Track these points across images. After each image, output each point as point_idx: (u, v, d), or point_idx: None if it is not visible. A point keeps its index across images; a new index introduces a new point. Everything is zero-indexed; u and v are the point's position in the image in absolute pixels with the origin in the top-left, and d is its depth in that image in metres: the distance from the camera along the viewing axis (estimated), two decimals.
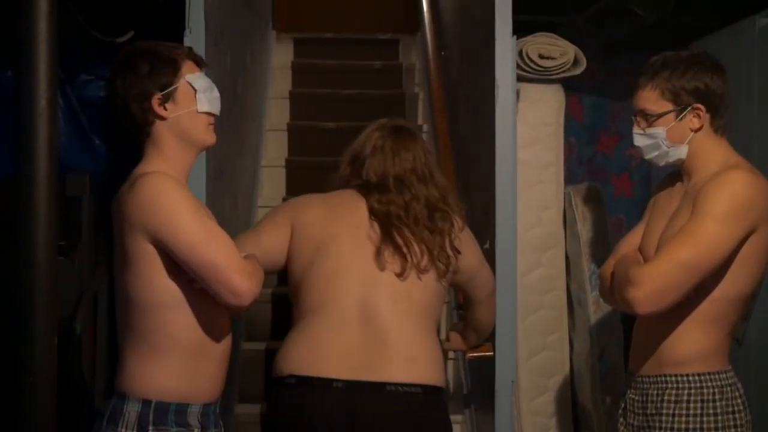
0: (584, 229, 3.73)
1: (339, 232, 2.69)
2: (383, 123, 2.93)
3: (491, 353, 3.14)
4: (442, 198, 2.82)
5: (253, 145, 4.69)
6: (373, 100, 5.40)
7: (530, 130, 3.77)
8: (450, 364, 4.05)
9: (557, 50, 3.72)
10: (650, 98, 2.42)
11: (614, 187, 5.52)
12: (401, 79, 5.72)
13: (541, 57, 3.70)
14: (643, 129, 2.45)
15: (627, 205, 5.45)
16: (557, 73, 3.75)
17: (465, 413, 3.76)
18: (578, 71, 3.77)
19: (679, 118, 2.40)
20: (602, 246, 3.72)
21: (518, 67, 3.53)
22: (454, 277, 2.85)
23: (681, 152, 2.42)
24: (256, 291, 2.18)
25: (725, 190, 2.30)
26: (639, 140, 2.47)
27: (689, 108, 2.39)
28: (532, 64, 3.71)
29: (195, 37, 3.00)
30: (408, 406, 2.59)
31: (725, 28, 4.25)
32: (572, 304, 3.82)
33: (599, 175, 5.45)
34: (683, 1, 4.21)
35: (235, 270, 2.13)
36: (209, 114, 2.26)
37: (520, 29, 3.20)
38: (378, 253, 2.66)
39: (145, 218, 2.10)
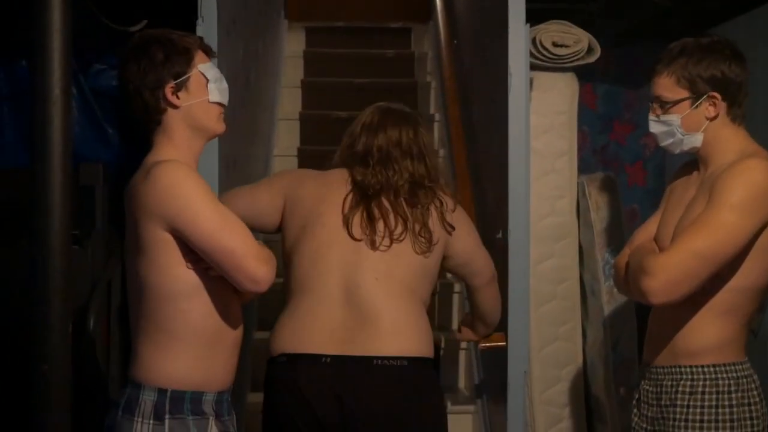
0: (598, 219, 3.71)
1: (324, 211, 2.72)
2: (378, 105, 2.96)
3: (503, 343, 3.13)
4: (429, 175, 2.80)
5: (265, 135, 4.69)
6: (385, 89, 5.39)
7: (543, 118, 3.76)
8: (462, 354, 4.05)
9: (571, 38, 3.70)
10: (666, 85, 2.39)
11: (628, 176, 5.50)
12: (413, 68, 5.72)
13: (555, 45, 3.68)
14: (658, 116, 2.43)
15: (641, 195, 5.44)
16: (571, 62, 3.73)
17: (477, 404, 3.77)
18: (592, 59, 3.75)
19: (695, 105, 2.37)
20: (616, 236, 3.71)
21: (531, 55, 3.50)
22: (448, 262, 2.87)
23: (696, 140, 2.40)
24: (272, 277, 2.18)
25: (742, 179, 2.28)
26: (654, 127, 2.45)
27: (705, 96, 2.36)
28: (545, 52, 3.69)
29: (207, 26, 3.00)
30: (396, 379, 2.62)
31: (742, 14, 4.22)
32: (585, 294, 3.81)
33: (613, 164, 5.44)
34: None
35: (253, 256, 2.14)
36: (219, 104, 2.26)
37: (534, 17, 3.18)
38: (355, 226, 2.69)
39: (163, 207, 2.10)
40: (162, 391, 2.16)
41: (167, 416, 2.14)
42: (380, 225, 2.70)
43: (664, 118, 2.42)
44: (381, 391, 2.61)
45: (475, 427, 3.78)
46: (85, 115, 4.25)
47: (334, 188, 2.77)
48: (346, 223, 2.70)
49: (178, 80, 2.19)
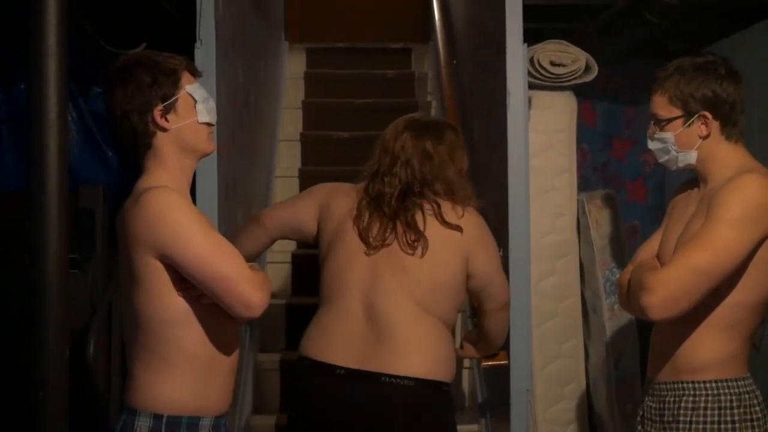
0: (598, 236, 3.71)
1: (347, 226, 2.79)
2: (410, 116, 2.98)
3: (506, 362, 3.13)
4: (421, 180, 2.80)
5: (266, 156, 4.70)
6: (386, 109, 5.38)
7: (542, 137, 3.76)
8: (465, 372, 4.03)
9: (568, 57, 3.72)
10: (660, 103, 2.43)
11: (628, 193, 5.50)
12: (414, 88, 5.73)
13: (553, 64, 3.70)
14: (654, 133, 2.47)
15: (641, 211, 5.43)
16: (569, 80, 3.74)
17: (481, 422, 3.75)
18: (590, 78, 3.76)
19: (687, 124, 2.40)
20: (616, 253, 3.71)
21: (530, 74, 3.52)
22: (469, 283, 2.85)
23: (690, 158, 2.42)
24: (267, 302, 2.16)
25: (738, 195, 2.29)
26: (651, 144, 2.49)
27: (696, 115, 2.39)
28: (543, 72, 3.70)
29: (206, 48, 3.01)
30: (401, 398, 2.67)
31: (738, 32, 4.23)
32: (587, 311, 3.80)
33: (613, 182, 5.44)
34: (696, 7, 4.19)
35: (246, 281, 2.11)
36: (208, 124, 2.24)
37: (531, 37, 3.20)
38: (370, 239, 2.74)
39: (152, 234, 2.08)
40: (158, 417, 2.14)
41: None
42: (389, 237, 2.74)
43: (658, 135, 2.45)
44: (385, 410, 2.66)
45: None
46: (84, 137, 4.27)
47: (354, 203, 2.82)
48: (363, 239, 2.76)
49: (167, 103, 2.17)
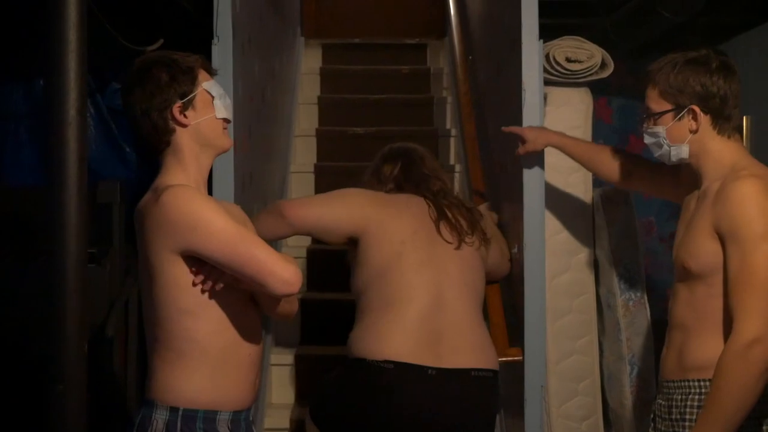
0: (613, 233, 3.71)
1: (414, 238, 3.00)
2: (390, 147, 3.30)
3: (520, 358, 3.13)
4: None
5: (282, 151, 4.71)
6: (402, 105, 5.41)
7: None
8: None
9: (584, 53, 3.71)
10: (652, 97, 2.43)
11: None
12: (429, 84, 5.73)
13: (568, 60, 3.69)
14: (647, 127, 2.48)
15: (657, 207, 5.41)
16: (584, 77, 3.73)
17: (496, 418, 3.75)
18: (606, 74, 3.75)
19: (677, 118, 2.40)
20: (631, 249, 3.70)
21: (545, 70, 3.51)
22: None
23: (682, 152, 2.42)
24: (301, 277, 2.16)
25: (753, 206, 2.26)
26: (645, 138, 2.50)
27: (686, 109, 2.39)
28: (559, 68, 3.69)
29: (223, 44, 3.03)
30: (488, 390, 2.94)
31: (755, 27, 4.22)
32: (601, 308, 3.80)
33: None
34: (712, 2, 4.18)
35: (277, 258, 2.12)
36: (225, 120, 2.28)
37: (547, 33, 3.19)
38: (439, 230, 3.03)
39: (173, 230, 2.10)
40: (174, 410, 2.16)
41: None
42: (456, 225, 3.06)
43: (651, 129, 2.46)
44: (477, 400, 2.91)
45: None
46: (102, 133, 4.29)
47: (417, 215, 3.06)
48: (434, 232, 3.02)
49: (185, 99, 2.21)
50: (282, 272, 2.12)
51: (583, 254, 3.77)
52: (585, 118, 3.80)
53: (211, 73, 2.29)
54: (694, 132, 2.40)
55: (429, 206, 3.08)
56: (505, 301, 3.49)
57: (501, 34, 3.71)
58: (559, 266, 3.74)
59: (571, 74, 3.71)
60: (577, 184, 3.77)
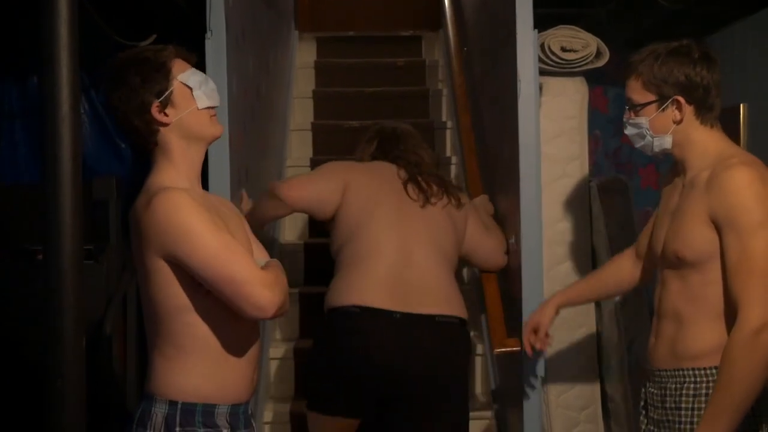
0: (610, 222, 3.71)
1: (377, 191, 3.18)
2: (381, 125, 3.50)
3: (518, 348, 3.13)
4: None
5: (277, 145, 4.70)
6: (397, 98, 5.40)
7: (554, 123, 3.75)
8: (478, 360, 4.05)
9: (579, 43, 3.70)
10: (634, 88, 2.43)
11: (641, 179, 5.49)
12: (425, 76, 5.72)
13: (563, 50, 3.68)
14: (630, 118, 2.47)
15: (654, 197, 5.38)
16: (580, 66, 3.72)
17: (494, 409, 3.76)
18: (601, 63, 3.74)
19: (661, 108, 2.40)
20: (628, 239, 3.69)
21: (540, 60, 3.51)
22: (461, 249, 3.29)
23: (665, 142, 2.43)
24: (280, 301, 2.13)
25: (748, 193, 2.27)
26: (627, 129, 2.50)
27: (670, 99, 2.39)
28: (554, 57, 3.69)
29: (216, 39, 3.02)
30: (452, 334, 3.07)
31: (750, 16, 4.22)
32: None
33: (626, 167, 5.43)
34: None
35: (255, 282, 2.09)
36: (210, 107, 2.23)
37: (542, 22, 3.19)
38: (407, 192, 3.19)
39: (162, 237, 2.08)
40: (173, 404, 2.15)
41: (178, 428, 2.13)
42: (425, 189, 3.21)
43: (633, 120, 2.45)
44: (441, 343, 3.03)
45: None
46: (97, 129, 4.29)
47: (380, 172, 3.25)
48: (402, 196, 3.17)
49: (162, 98, 2.16)
50: (257, 298, 2.09)
51: (580, 244, 3.77)
52: (580, 107, 3.79)
53: (189, 60, 2.23)
54: (678, 122, 2.40)
55: (399, 169, 3.25)
56: (503, 291, 3.49)
57: (496, 24, 3.70)
58: (556, 256, 3.74)
59: (566, 64, 3.71)
60: (575, 174, 3.77)
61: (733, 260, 2.27)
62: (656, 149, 2.45)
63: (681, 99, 2.38)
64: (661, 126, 2.41)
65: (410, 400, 3.00)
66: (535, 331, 2.91)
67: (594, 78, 3.95)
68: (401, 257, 3.08)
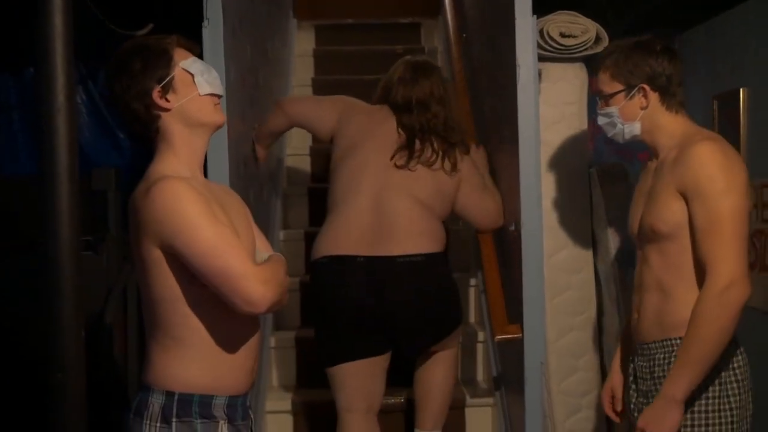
0: (609, 208, 3.70)
1: (367, 137, 3.33)
2: (407, 59, 3.51)
3: (520, 335, 3.13)
4: (454, 119, 3.42)
5: None
6: None
7: (553, 109, 3.75)
8: (480, 347, 4.05)
9: (578, 28, 3.69)
10: (604, 80, 2.63)
11: (641, 164, 5.46)
12: None
13: (563, 35, 3.67)
14: (601, 109, 2.65)
15: None
16: (579, 52, 3.71)
17: (496, 396, 3.76)
18: (600, 49, 3.72)
19: (629, 97, 2.58)
20: (628, 224, 3.69)
21: (539, 46, 3.50)
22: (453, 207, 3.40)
23: (634, 129, 2.61)
24: (273, 296, 2.12)
25: (712, 164, 2.41)
26: (600, 119, 2.67)
27: (636, 88, 2.57)
28: (553, 43, 3.67)
29: (213, 27, 3.01)
30: (416, 269, 3.22)
31: (748, 1, 4.19)
32: (600, 283, 3.80)
33: (625, 153, 5.41)
34: None
35: (249, 277, 2.08)
36: (213, 95, 2.23)
37: (541, 8, 3.18)
38: (394, 156, 3.28)
39: (159, 227, 2.07)
40: (170, 394, 2.15)
41: (174, 419, 2.13)
42: (417, 154, 3.28)
43: (604, 111, 2.64)
44: (405, 281, 3.20)
45: (494, 420, 3.78)
46: (95, 120, 4.27)
47: (378, 120, 3.36)
48: (389, 152, 3.28)
49: (163, 83, 2.16)
50: (250, 293, 2.08)
51: (581, 230, 3.76)
52: (580, 93, 3.78)
53: (192, 50, 2.24)
54: (644, 108, 2.58)
55: (399, 135, 3.33)
56: (503, 278, 3.49)
57: (494, 10, 3.68)
58: (557, 242, 3.73)
59: (565, 49, 3.70)
60: (574, 160, 3.76)
61: (701, 226, 2.42)
62: (627, 136, 2.63)
63: (646, 86, 2.57)
64: (630, 113, 2.60)
65: (394, 332, 3.24)
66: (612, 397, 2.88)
67: (593, 64, 3.93)
68: (373, 203, 3.24)
